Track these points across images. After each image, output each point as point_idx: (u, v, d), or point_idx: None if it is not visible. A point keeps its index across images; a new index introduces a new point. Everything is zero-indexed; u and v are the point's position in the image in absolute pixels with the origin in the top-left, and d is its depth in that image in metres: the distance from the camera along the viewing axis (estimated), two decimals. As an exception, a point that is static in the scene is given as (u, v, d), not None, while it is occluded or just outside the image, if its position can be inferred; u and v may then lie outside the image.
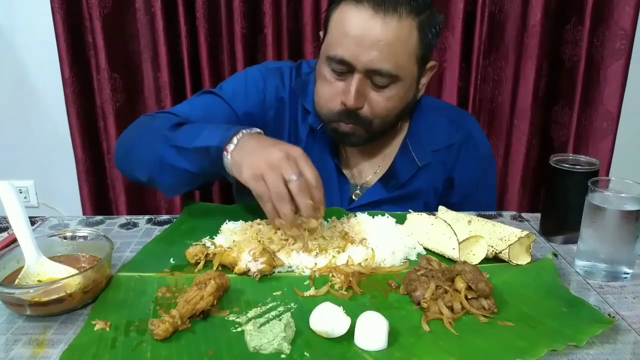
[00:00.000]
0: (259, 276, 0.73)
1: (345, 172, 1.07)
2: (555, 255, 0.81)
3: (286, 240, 0.80)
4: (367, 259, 0.77)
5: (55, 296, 0.63)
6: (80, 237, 0.76)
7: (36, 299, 0.62)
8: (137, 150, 0.93)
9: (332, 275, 0.74)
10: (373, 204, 1.03)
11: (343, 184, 1.06)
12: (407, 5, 0.86)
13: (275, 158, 0.74)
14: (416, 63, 0.92)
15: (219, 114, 1.01)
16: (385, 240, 0.81)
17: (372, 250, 0.78)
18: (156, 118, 0.99)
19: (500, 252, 0.79)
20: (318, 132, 1.04)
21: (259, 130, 0.85)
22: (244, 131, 0.82)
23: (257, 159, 0.75)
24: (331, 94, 0.93)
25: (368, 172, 1.08)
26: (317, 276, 0.74)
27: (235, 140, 0.80)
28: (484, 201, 1.08)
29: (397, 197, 1.04)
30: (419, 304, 0.67)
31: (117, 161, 1.02)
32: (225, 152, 0.80)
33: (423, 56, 0.93)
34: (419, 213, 0.87)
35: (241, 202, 1.02)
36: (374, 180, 1.06)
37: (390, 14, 0.85)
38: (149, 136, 0.92)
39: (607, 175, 1.71)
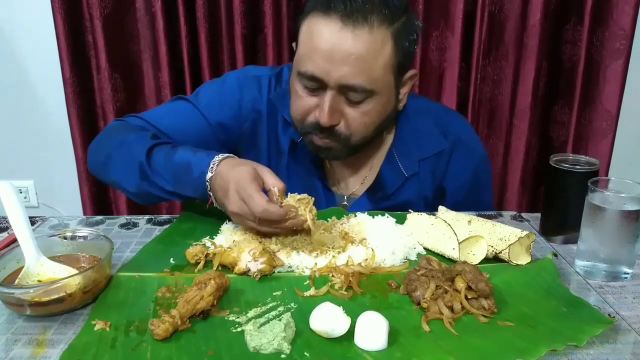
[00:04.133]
0: (259, 276, 0.73)
1: (331, 183, 1.04)
2: (555, 255, 0.81)
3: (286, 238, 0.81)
4: (367, 259, 0.77)
5: (55, 296, 0.63)
6: (80, 237, 0.76)
7: (36, 299, 0.62)
8: (115, 169, 0.93)
9: (332, 275, 0.73)
10: None
11: (329, 197, 1.03)
12: (378, 15, 0.81)
13: (234, 210, 0.78)
14: (392, 74, 0.87)
15: (190, 123, 1.00)
16: (385, 240, 0.81)
17: (372, 250, 0.78)
18: (128, 128, 0.97)
19: (500, 252, 0.78)
20: (300, 144, 1.00)
21: (219, 158, 0.83)
22: (207, 182, 0.82)
23: (227, 210, 0.80)
24: (304, 108, 0.89)
25: (354, 183, 1.04)
26: (317, 276, 0.74)
27: (211, 195, 0.83)
28: (479, 204, 1.04)
29: (385, 208, 0.97)
30: (419, 304, 0.67)
31: (91, 169, 1.02)
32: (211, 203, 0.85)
33: (400, 66, 0.88)
34: (419, 213, 0.86)
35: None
36: (361, 192, 1.03)
37: (360, 26, 0.80)
38: (126, 158, 0.90)
39: (607, 175, 1.71)
